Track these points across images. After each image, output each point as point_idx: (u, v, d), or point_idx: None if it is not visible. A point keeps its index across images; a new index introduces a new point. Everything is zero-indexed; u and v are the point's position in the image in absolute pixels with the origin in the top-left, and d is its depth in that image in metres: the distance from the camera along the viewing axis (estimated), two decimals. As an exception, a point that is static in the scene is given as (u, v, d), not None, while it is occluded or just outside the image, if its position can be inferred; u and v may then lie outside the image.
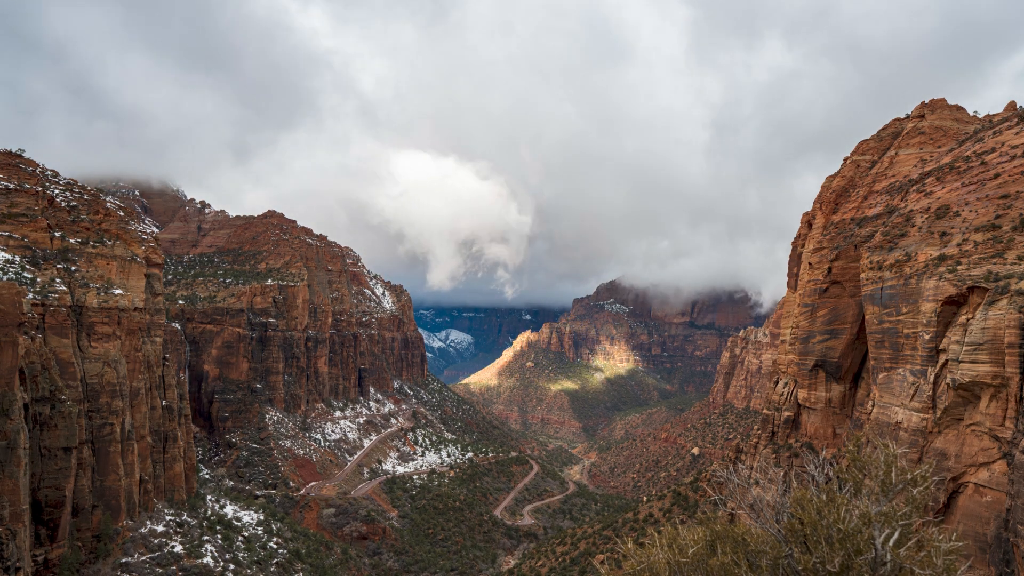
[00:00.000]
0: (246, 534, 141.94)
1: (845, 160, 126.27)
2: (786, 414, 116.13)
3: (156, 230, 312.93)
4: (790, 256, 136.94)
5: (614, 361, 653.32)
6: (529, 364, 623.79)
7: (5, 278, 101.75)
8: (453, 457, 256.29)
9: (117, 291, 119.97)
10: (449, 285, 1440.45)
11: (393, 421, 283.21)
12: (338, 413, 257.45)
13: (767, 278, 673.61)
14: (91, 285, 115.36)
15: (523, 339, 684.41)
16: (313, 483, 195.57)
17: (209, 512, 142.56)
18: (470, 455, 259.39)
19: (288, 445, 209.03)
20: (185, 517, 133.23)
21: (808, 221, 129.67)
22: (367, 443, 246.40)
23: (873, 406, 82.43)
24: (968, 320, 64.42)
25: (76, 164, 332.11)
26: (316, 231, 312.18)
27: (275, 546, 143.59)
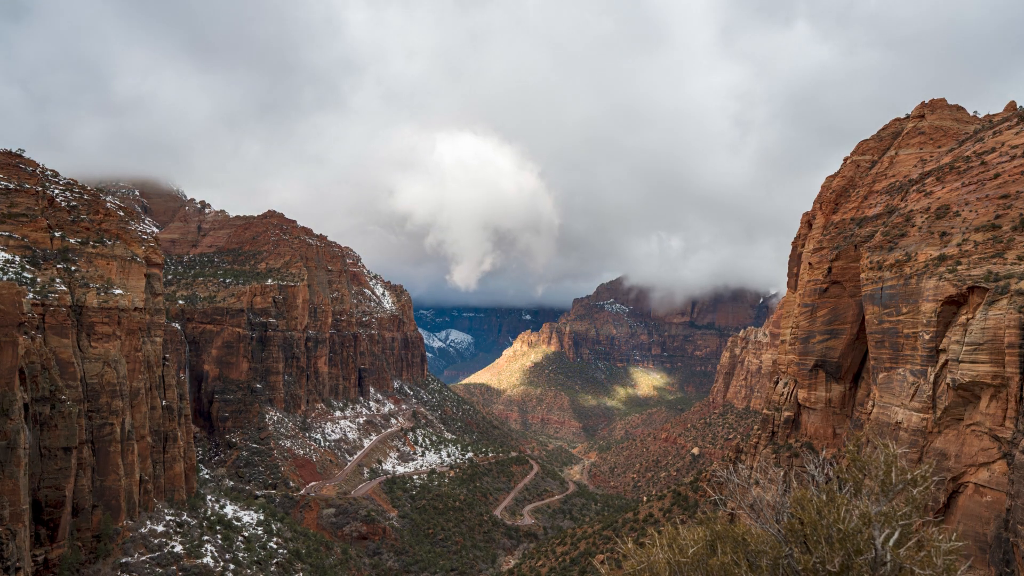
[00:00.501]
0: (246, 534, 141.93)
1: (845, 160, 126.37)
2: (786, 414, 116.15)
3: (156, 230, 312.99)
4: (790, 256, 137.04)
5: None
6: (529, 364, 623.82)
7: (5, 278, 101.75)
8: (453, 457, 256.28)
9: (117, 291, 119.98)
10: (475, 283, 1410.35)
11: (393, 421, 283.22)
12: (338, 413, 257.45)
13: (782, 276, 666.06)
14: (91, 285, 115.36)
15: (523, 339, 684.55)
16: (313, 483, 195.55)
17: (209, 512, 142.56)
18: (470, 455, 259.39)
19: (288, 445, 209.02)
20: (185, 517, 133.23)
21: (808, 221, 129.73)
22: (367, 443, 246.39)
23: (873, 406, 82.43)
24: (968, 320, 64.43)
25: (77, 164, 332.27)
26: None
27: (275, 546, 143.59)
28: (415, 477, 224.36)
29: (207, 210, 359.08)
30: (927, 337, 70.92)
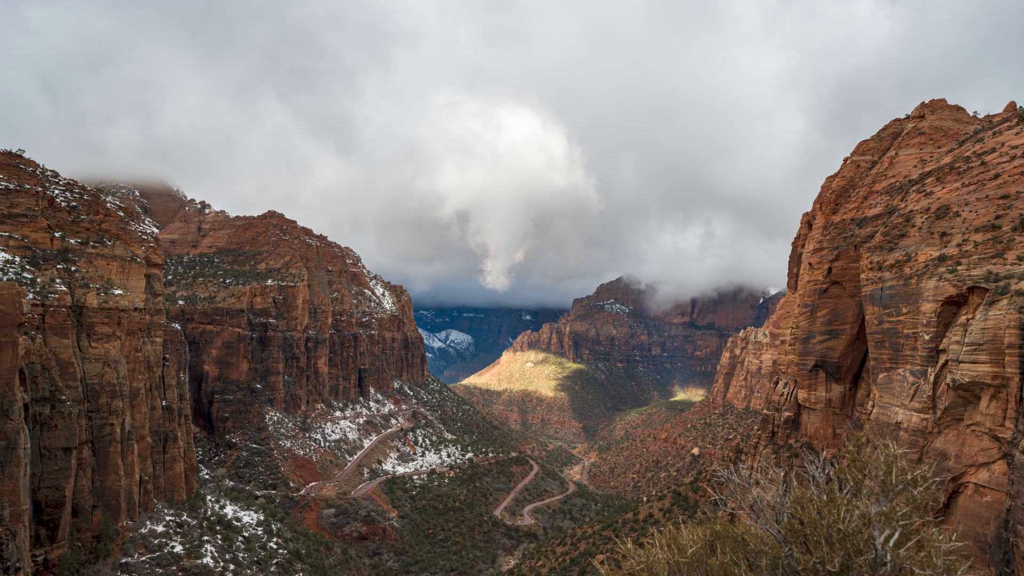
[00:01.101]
0: (246, 534, 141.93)
1: (845, 160, 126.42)
2: (786, 414, 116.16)
3: (156, 230, 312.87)
4: (790, 256, 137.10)
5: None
6: (528, 364, 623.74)
7: (5, 278, 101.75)
8: (453, 457, 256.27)
9: (117, 291, 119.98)
10: (506, 277, 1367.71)
11: (393, 421, 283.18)
12: (338, 413, 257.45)
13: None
14: (91, 285, 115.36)
15: (523, 339, 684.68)
16: (313, 483, 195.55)
17: (209, 512, 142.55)
18: (470, 455, 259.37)
19: (288, 445, 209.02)
20: (185, 517, 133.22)
21: (808, 221, 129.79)
22: (367, 443, 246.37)
23: (873, 406, 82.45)
24: (968, 320, 64.44)
25: (77, 163, 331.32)
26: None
27: (275, 546, 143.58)
28: (415, 477, 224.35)
29: (207, 210, 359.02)
30: (927, 337, 70.92)
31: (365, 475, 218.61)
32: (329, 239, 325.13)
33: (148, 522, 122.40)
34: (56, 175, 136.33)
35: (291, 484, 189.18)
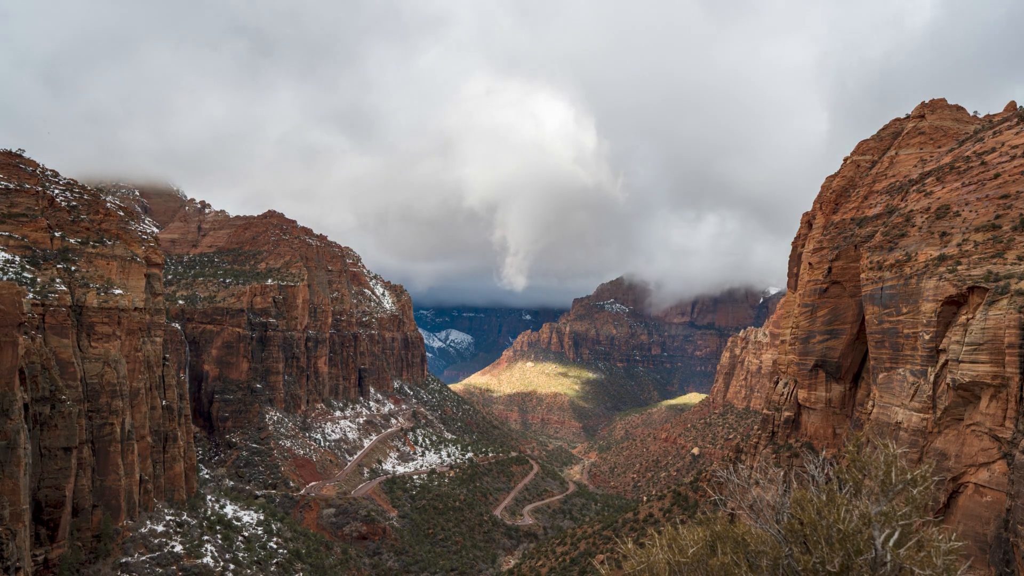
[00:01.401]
0: (246, 534, 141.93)
1: (845, 160, 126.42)
2: (786, 414, 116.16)
3: (156, 230, 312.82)
4: (790, 256, 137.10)
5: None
6: (529, 364, 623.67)
7: (5, 278, 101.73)
8: (453, 457, 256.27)
9: (117, 291, 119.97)
10: (525, 271, 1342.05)
11: (393, 421, 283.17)
12: (338, 413, 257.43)
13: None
14: (91, 285, 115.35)
15: (523, 339, 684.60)
16: (313, 483, 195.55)
17: (209, 512, 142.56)
18: (470, 455, 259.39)
19: (288, 445, 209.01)
20: (185, 517, 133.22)
21: (808, 221, 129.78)
22: (367, 443, 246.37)
23: (873, 406, 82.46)
24: (968, 320, 64.43)
25: (77, 164, 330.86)
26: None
27: (275, 546, 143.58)
28: (415, 477, 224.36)
29: (207, 210, 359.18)
30: (927, 337, 70.92)
31: (365, 475, 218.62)
32: (329, 239, 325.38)
33: (148, 522, 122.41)
34: (56, 175, 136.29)
35: (291, 484, 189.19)
